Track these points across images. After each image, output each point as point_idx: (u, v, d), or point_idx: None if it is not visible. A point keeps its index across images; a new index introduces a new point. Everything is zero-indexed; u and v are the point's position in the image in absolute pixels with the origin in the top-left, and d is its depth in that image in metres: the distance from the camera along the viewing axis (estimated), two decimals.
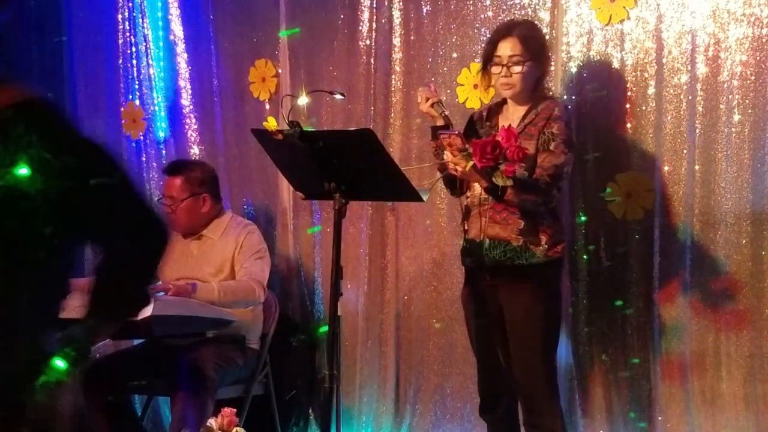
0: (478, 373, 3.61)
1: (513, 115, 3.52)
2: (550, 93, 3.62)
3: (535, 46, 3.47)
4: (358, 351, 4.49)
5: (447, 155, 3.24)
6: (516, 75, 3.43)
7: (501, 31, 3.50)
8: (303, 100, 4.29)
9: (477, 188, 3.44)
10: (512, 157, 3.14)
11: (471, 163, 3.14)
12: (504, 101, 3.58)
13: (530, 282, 3.41)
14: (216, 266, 4.23)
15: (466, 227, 3.55)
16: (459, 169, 3.22)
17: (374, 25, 4.41)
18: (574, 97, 3.92)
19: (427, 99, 3.44)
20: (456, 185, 3.56)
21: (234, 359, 4.13)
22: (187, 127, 4.98)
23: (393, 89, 4.38)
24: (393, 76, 4.37)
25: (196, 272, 4.24)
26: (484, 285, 3.50)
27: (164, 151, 5.06)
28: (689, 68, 3.75)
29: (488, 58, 3.50)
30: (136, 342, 4.36)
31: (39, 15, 5.48)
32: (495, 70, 3.47)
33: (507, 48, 3.44)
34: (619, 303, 3.88)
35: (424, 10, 4.29)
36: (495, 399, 3.55)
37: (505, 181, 3.17)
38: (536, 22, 3.81)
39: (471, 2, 4.17)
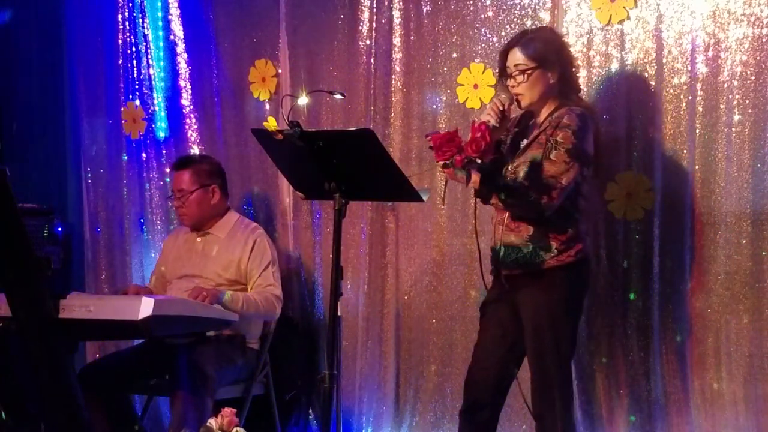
0: (468, 376, 3.55)
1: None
2: (578, 98, 3.47)
3: (542, 51, 3.34)
4: (358, 351, 4.49)
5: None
6: (522, 84, 3.35)
7: (508, 43, 3.44)
8: (303, 100, 4.31)
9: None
10: (466, 149, 3.05)
11: (441, 163, 3.09)
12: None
13: (541, 286, 3.34)
14: (221, 265, 4.24)
15: (491, 235, 3.52)
16: (445, 171, 3.19)
17: (374, 25, 4.40)
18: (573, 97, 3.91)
19: (499, 109, 3.31)
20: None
21: (233, 359, 4.14)
22: (187, 127, 4.98)
23: (393, 89, 4.38)
24: (393, 76, 4.37)
25: (200, 269, 4.26)
26: (503, 292, 3.45)
27: (164, 151, 5.06)
28: (689, 68, 3.75)
29: (502, 73, 3.43)
30: (136, 342, 4.37)
31: (39, 15, 5.48)
32: (509, 83, 3.39)
33: (512, 59, 3.36)
34: (618, 303, 3.88)
35: (424, 10, 4.29)
36: (476, 405, 3.48)
37: (462, 174, 3.09)
38: (548, 27, 3.70)
39: (471, 2, 4.17)
